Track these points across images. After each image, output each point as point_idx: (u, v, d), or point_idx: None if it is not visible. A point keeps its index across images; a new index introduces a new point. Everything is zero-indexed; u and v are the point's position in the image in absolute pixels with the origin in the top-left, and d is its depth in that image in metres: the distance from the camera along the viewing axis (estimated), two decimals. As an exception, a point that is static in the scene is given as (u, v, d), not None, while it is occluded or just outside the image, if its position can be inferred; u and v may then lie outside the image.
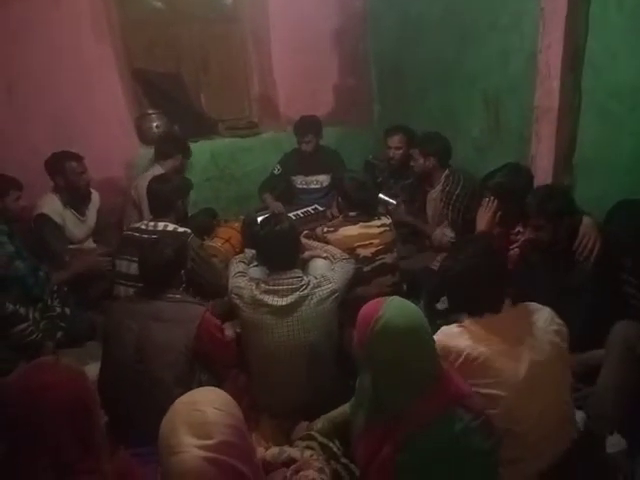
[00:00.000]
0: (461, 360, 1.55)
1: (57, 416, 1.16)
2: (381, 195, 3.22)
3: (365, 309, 1.42)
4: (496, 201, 2.48)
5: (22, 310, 2.38)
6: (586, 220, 2.19)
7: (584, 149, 2.55)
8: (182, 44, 3.90)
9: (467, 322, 1.64)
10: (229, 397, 1.22)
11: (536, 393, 1.57)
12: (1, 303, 2.30)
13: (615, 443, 1.80)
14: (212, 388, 1.26)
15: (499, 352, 1.55)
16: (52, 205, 2.99)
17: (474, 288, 1.64)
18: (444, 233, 2.97)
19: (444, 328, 1.66)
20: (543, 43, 2.53)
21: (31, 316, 2.45)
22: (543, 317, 1.65)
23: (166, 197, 2.66)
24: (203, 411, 1.14)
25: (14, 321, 2.34)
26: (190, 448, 1.09)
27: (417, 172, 3.19)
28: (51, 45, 3.26)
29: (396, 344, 1.33)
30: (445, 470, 1.31)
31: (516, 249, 2.39)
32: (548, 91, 2.55)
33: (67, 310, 2.67)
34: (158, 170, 3.25)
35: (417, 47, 3.66)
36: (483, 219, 2.50)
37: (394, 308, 1.38)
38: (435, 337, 1.52)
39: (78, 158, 3.02)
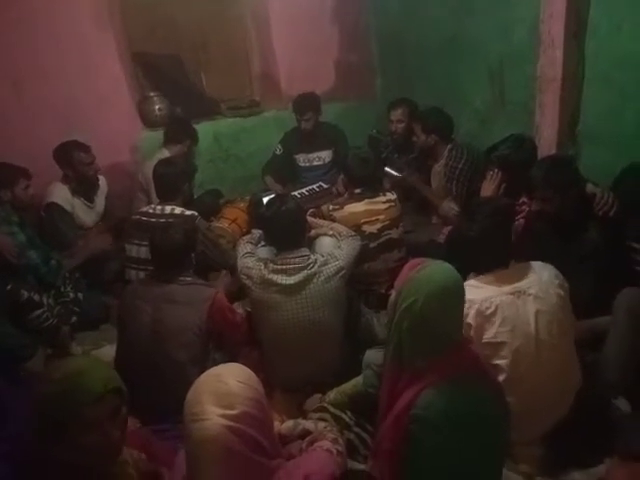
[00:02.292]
0: (474, 312, 1.67)
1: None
2: (387, 169, 3.22)
3: (412, 261, 1.49)
4: (500, 173, 2.49)
5: (37, 297, 2.43)
6: (590, 187, 2.20)
7: (588, 119, 2.53)
8: (181, 25, 3.86)
9: (479, 277, 1.78)
10: (252, 372, 1.26)
11: (543, 343, 1.68)
12: (16, 291, 2.34)
13: (621, 407, 1.84)
14: (236, 364, 1.30)
15: (508, 302, 1.69)
16: (61, 194, 3.03)
17: (490, 244, 1.79)
18: (450, 207, 2.98)
19: None
20: (546, 12, 2.50)
21: (46, 302, 2.50)
22: (547, 272, 1.76)
23: (172, 181, 2.69)
24: (227, 383, 1.18)
25: (30, 308, 2.39)
26: (213, 416, 1.13)
27: (419, 148, 3.19)
28: (52, 33, 3.26)
29: (429, 294, 1.36)
30: (457, 431, 1.34)
31: (521, 220, 2.41)
32: (551, 61, 2.53)
33: (80, 295, 2.72)
34: (165, 155, 3.26)
35: (418, 19, 3.61)
36: (487, 191, 2.51)
37: (439, 264, 1.44)
38: None
39: (86, 148, 3.03)
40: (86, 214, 3.16)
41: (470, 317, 1.68)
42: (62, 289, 2.66)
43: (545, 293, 1.71)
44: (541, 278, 1.74)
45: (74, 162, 3.00)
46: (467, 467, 1.36)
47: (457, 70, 3.37)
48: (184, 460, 1.24)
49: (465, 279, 1.87)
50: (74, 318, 2.62)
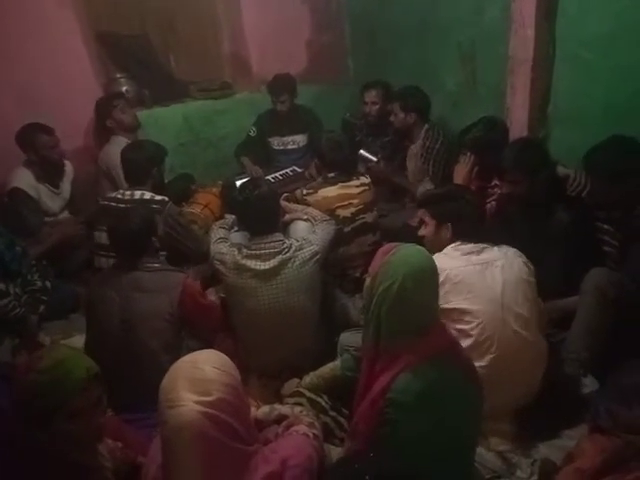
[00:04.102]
0: (442, 279, 1.72)
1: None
2: (362, 152, 3.20)
3: (385, 245, 1.52)
4: (473, 156, 2.50)
5: (2, 286, 2.35)
6: (560, 169, 2.23)
7: (558, 100, 2.56)
8: (147, 4, 3.73)
9: (449, 249, 1.90)
10: (228, 359, 1.26)
11: (509, 310, 1.79)
12: None
13: (588, 384, 1.90)
14: (211, 350, 1.30)
15: (476, 271, 1.82)
16: (25, 179, 2.92)
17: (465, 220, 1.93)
18: (427, 188, 2.99)
19: None
20: (517, -8, 2.50)
21: (12, 291, 2.42)
22: (512, 250, 1.91)
23: (141, 165, 2.62)
24: (203, 369, 1.18)
25: None
26: (188, 402, 1.13)
27: (397, 127, 3.16)
28: (11, 10, 3.11)
29: (405, 276, 1.37)
30: (432, 413, 1.37)
31: (493, 202, 2.44)
32: (523, 41, 2.53)
33: (48, 283, 2.64)
34: (119, 139, 3.17)
35: (390, 0, 3.57)
36: (460, 174, 2.53)
37: (413, 247, 1.48)
38: None
39: (49, 131, 2.92)
40: (52, 200, 3.06)
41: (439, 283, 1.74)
42: (29, 277, 2.57)
43: (510, 266, 1.84)
44: (506, 253, 1.88)
45: (37, 145, 2.89)
46: (442, 447, 1.39)
47: (429, 52, 3.35)
48: (159, 448, 1.23)
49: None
50: (42, 307, 2.54)
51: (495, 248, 1.89)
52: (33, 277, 2.59)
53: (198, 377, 1.17)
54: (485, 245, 1.88)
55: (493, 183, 2.47)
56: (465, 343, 1.73)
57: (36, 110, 3.10)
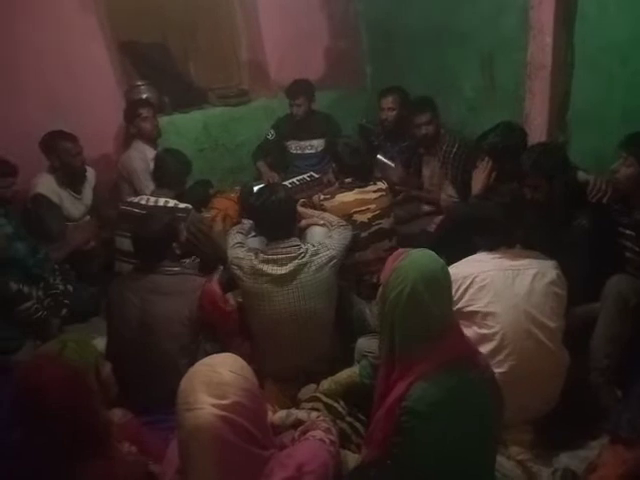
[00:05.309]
0: (469, 282, 1.79)
1: (52, 412, 1.24)
2: (379, 157, 3.21)
3: (395, 252, 1.52)
4: (491, 161, 2.49)
5: (26, 289, 2.41)
6: (581, 175, 2.20)
7: (577, 105, 2.53)
8: (168, 13, 3.80)
9: (481, 254, 1.92)
10: (245, 363, 1.26)
11: (534, 319, 1.77)
12: (4, 283, 2.32)
13: (610, 394, 1.86)
14: (230, 354, 1.30)
15: (504, 277, 1.82)
16: (48, 185, 2.97)
17: (505, 224, 1.92)
18: (450, 195, 2.97)
19: (458, 262, 1.90)
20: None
21: (35, 294, 2.47)
22: (550, 261, 1.89)
23: (178, 171, 2.70)
24: (220, 373, 1.19)
25: (19, 300, 2.36)
26: (205, 405, 1.13)
27: (423, 137, 3.09)
28: (35, 21, 3.18)
29: (415, 280, 1.37)
30: (448, 422, 1.35)
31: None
32: (541, 47, 2.52)
33: (70, 287, 2.69)
34: (142, 145, 3.24)
35: (408, 6, 3.58)
36: (478, 180, 2.51)
37: (421, 251, 1.48)
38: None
39: (72, 138, 2.97)
40: (74, 206, 3.11)
41: (464, 286, 1.81)
42: (51, 281, 2.62)
43: (543, 276, 1.82)
44: (543, 262, 1.87)
45: (60, 152, 2.95)
46: (460, 457, 1.37)
47: (447, 57, 3.35)
48: (176, 452, 1.24)
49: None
50: (64, 310, 2.59)
51: (533, 255, 1.89)
52: (55, 281, 2.64)
53: (215, 381, 1.18)
54: (521, 251, 1.89)
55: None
56: (486, 348, 1.73)
57: (58, 117, 3.16)
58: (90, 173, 3.21)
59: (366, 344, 2.05)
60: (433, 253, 1.47)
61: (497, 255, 1.89)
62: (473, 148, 2.74)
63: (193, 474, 1.17)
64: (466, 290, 1.82)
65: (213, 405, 1.14)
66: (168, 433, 1.62)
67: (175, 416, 1.19)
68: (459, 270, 1.85)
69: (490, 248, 1.92)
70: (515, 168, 2.27)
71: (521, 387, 1.72)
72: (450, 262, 2.15)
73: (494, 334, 1.77)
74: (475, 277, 1.81)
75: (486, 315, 1.79)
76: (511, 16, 2.74)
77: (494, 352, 1.75)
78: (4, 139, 2.98)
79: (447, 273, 1.46)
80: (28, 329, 2.37)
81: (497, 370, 1.66)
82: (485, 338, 1.77)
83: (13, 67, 3.19)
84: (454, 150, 2.99)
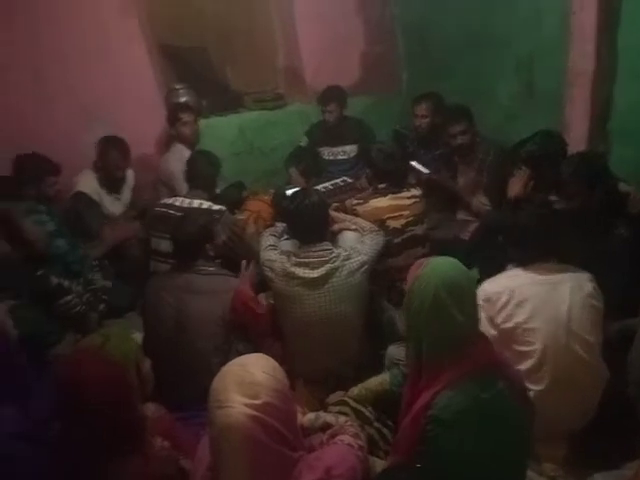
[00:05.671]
0: (506, 298, 1.75)
1: (93, 407, 1.27)
2: (413, 163, 3.19)
3: (417, 261, 1.52)
4: (528, 170, 2.45)
5: (66, 283, 2.48)
6: (622, 186, 2.15)
7: (619, 113, 2.47)
8: (207, 18, 3.88)
9: (519, 269, 1.86)
10: (277, 364, 1.27)
11: (573, 334, 1.72)
12: (46, 277, 2.40)
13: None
14: (262, 355, 1.31)
15: (543, 291, 1.76)
16: (89, 183, 3.08)
17: (537, 237, 1.86)
18: (482, 202, 2.94)
19: (493, 277, 1.85)
20: (577, 4, 2.44)
21: (74, 289, 2.55)
22: (586, 274, 1.83)
23: (209, 172, 2.77)
24: (252, 373, 1.20)
25: (59, 294, 2.43)
26: (237, 404, 1.14)
27: (458, 147, 3.05)
28: (79, 25, 3.30)
29: (437, 287, 1.37)
30: (474, 431, 1.34)
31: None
32: (582, 54, 2.47)
33: (108, 283, 2.77)
34: (181, 148, 3.30)
35: (445, 11, 3.56)
36: (514, 188, 2.47)
37: (442, 258, 1.48)
38: (481, 287, 1.57)
39: (123, 150, 3.08)
40: (113, 205, 3.21)
41: (502, 301, 1.76)
42: (90, 277, 2.70)
43: (579, 289, 1.77)
44: (579, 275, 1.82)
45: (108, 160, 3.06)
46: (486, 468, 1.36)
47: (484, 63, 3.32)
48: (207, 448, 1.26)
49: (490, 275, 1.93)
50: (102, 305, 2.67)
51: (569, 268, 1.84)
52: (94, 277, 2.72)
53: (247, 381, 1.19)
54: (556, 265, 1.84)
55: (550, 199, 2.39)
56: (525, 365, 1.70)
57: (101, 118, 3.28)
58: (129, 174, 3.30)
59: (396, 352, 2.04)
60: (455, 260, 1.46)
61: (532, 269, 1.83)
62: (510, 156, 2.70)
63: (223, 471, 1.19)
64: (504, 306, 1.78)
65: (245, 404, 1.15)
66: (199, 429, 1.64)
67: (207, 413, 1.22)
68: (495, 285, 1.82)
69: (524, 262, 1.87)
70: (553, 177, 2.23)
71: (557, 401, 1.69)
72: (484, 270, 2.14)
73: (533, 351, 1.73)
74: (513, 292, 1.76)
75: (525, 331, 1.74)
76: (551, 21, 2.69)
77: (533, 369, 1.71)
78: (48, 139, 3.09)
79: (470, 280, 1.46)
80: (67, 323, 2.44)
81: (535, 387, 1.65)
82: (524, 355, 1.73)
83: (58, 70, 3.30)
84: (489, 158, 2.95)
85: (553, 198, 2.37)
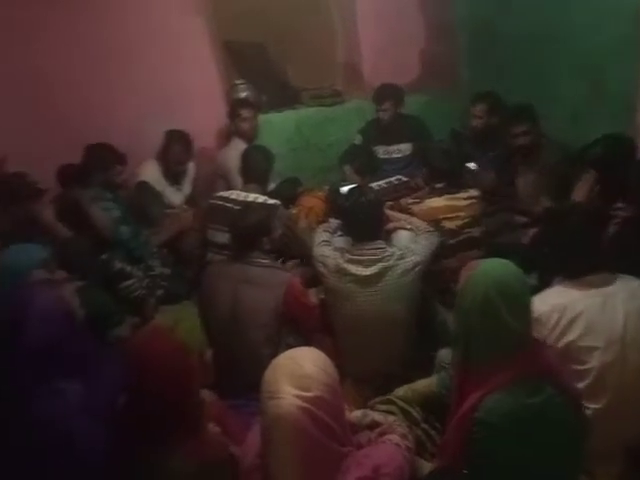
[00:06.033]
0: (558, 315, 1.65)
1: (158, 386, 1.31)
2: (470, 165, 3.13)
3: (470, 262, 1.52)
4: (595, 174, 2.35)
5: (128, 268, 2.59)
6: None
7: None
8: (269, 14, 3.93)
9: (566, 283, 1.76)
10: (328, 359, 1.29)
11: (630, 347, 1.63)
12: (110, 261, 2.52)
13: None
14: (312, 348, 1.33)
15: (595, 306, 1.66)
16: (152, 173, 3.20)
17: (577, 249, 1.78)
18: (542, 205, 2.84)
19: (541, 294, 1.75)
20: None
21: (135, 274, 2.65)
22: (636, 281, 1.73)
23: (262, 166, 2.80)
24: (303, 366, 1.22)
25: (121, 277, 2.55)
26: (288, 396, 1.17)
27: (519, 148, 2.97)
28: (146, 19, 3.42)
29: (487, 288, 1.35)
30: (521, 437, 1.32)
31: (615, 226, 2.26)
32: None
33: (166, 270, 2.86)
34: (239, 143, 3.35)
35: (509, 8, 3.46)
36: (579, 193, 2.38)
37: (495, 260, 1.46)
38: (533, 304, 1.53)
39: (186, 144, 3.17)
40: (174, 195, 3.32)
41: (554, 320, 1.67)
42: (150, 263, 2.81)
43: (632, 298, 1.68)
44: (629, 284, 1.72)
45: (171, 153, 3.17)
46: (533, 475, 1.33)
47: (550, 62, 3.20)
48: (257, 436, 1.29)
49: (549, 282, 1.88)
50: (160, 292, 2.75)
51: (618, 278, 1.74)
52: (154, 263, 2.83)
53: (299, 373, 1.21)
54: (604, 275, 1.74)
55: (617, 205, 2.29)
56: (582, 384, 1.62)
57: (162, 112, 3.39)
58: (190, 166, 3.40)
59: (447, 355, 1.99)
60: (509, 262, 1.44)
61: (582, 282, 1.73)
62: (576, 159, 2.60)
63: (273, 460, 1.22)
64: (555, 325, 1.68)
65: (296, 396, 1.17)
66: (249, 418, 1.68)
67: (258, 402, 1.24)
68: (544, 304, 1.71)
69: (574, 275, 1.76)
70: (621, 182, 2.13)
71: (616, 417, 1.62)
72: (544, 276, 2.05)
73: (590, 370, 1.64)
74: (564, 309, 1.67)
75: (580, 349, 1.65)
76: (623, 21, 2.57)
77: (590, 388, 1.63)
78: (115, 130, 3.21)
79: (524, 284, 1.42)
80: (127, 306, 2.55)
81: (593, 405, 1.58)
82: (581, 374, 1.65)
83: (126, 65, 3.44)
84: (553, 161, 2.85)
85: (619, 205, 2.28)
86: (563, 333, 1.66)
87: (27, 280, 1.78)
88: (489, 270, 1.41)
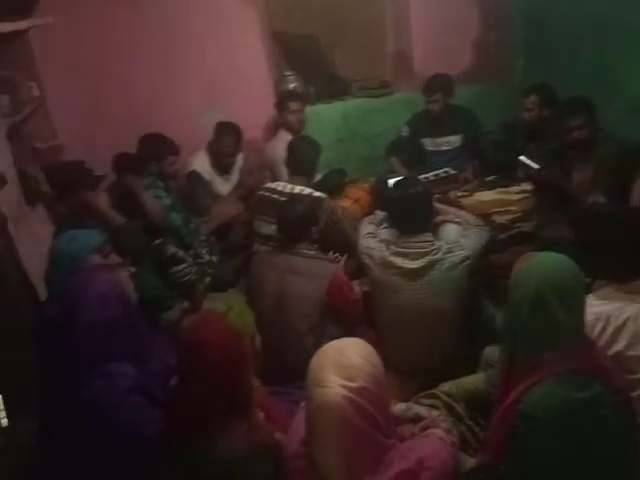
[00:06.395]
0: (602, 324, 1.59)
1: (212, 368, 1.34)
2: (522, 158, 3.03)
3: (524, 255, 1.50)
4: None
5: (180, 253, 2.66)
6: None
7: None
8: (319, 4, 3.92)
9: (609, 289, 1.70)
10: (374, 350, 1.29)
11: None
12: (164, 245, 2.59)
13: None
14: (360, 340, 1.33)
15: (637, 309, 1.59)
16: (202, 163, 3.27)
17: (618, 254, 1.69)
18: (597, 202, 2.73)
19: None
20: None
21: (186, 259, 2.71)
22: None
23: (308, 158, 2.80)
24: (350, 357, 1.23)
25: (174, 261, 2.60)
26: (334, 385, 1.18)
27: (574, 142, 2.86)
28: (200, 9, 3.48)
29: (540, 282, 1.33)
30: (565, 432, 1.29)
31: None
32: None
33: (214, 258, 2.93)
34: (286, 135, 3.36)
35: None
36: (638, 193, 2.28)
37: (550, 254, 1.44)
38: None
39: (236, 136, 3.21)
40: (222, 185, 3.38)
41: (598, 329, 1.61)
42: (199, 251, 2.88)
43: None
44: None
45: (221, 145, 3.22)
46: (577, 474, 1.29)
47: (610, 53, 3.06)
48: (302, 423, 1.30)
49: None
50: (207, 279, 2.82)
51: None
52: (202, 251, 2.90)
53: (345, 363, 1.22)
54: None
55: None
56: (634, 394, 1.55)
57: (213, 101, 3.46)
58: (239, 157, 3.44)
59: (494, 353, 1.96)
60: (564, 257, 1.40)
61: (627, 288, 1.67)
62: (635, 155, 2.48)
63: (317, 448, 1.23)
64: (601, 334, 1.62)
65: (341, 386, 1.18)
66: (292, 405, 1.71)
67: (300, 391, 1.26)
68: (590, 311, 1.60)
69: (618, 280, 1.69)
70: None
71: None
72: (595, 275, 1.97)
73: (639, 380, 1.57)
74: (608, 318, 1.61)
75: (628, 359, 1.59)
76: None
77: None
78: (167, 121, 3.30)
79: (578, 279, 1.38)
80: (177, 291, 2.63)
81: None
82: (632, 384, 1.56)
83: (177, 56, 3.51)
84: (611, 156, 2.73)
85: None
86: (610, 343, 1.60)
87: (83, 265, 1.83)
88: (543, 263, 1.39)
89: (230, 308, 1.40)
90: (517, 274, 1.42)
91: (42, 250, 2.06)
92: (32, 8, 2.58)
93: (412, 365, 2.18)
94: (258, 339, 1.51)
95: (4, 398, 1.68)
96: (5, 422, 1.66)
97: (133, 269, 2.18)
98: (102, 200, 2.74)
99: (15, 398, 1.71)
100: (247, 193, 3.29)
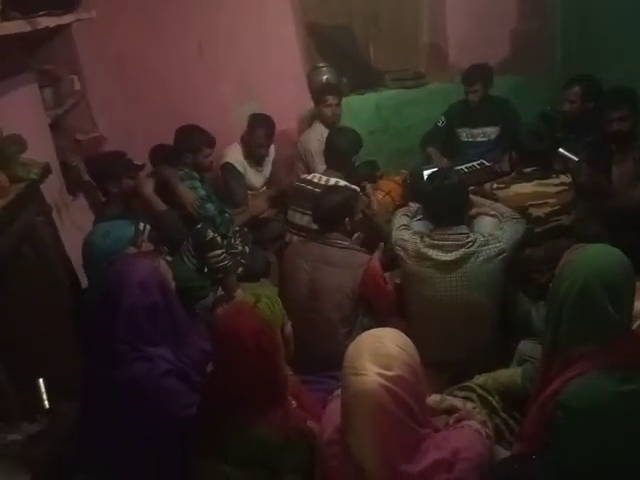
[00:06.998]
0: (638, 324, 1.58)
1: (246, 358, 1.37)
2: (561, 150, 2.96)
3: (573, 246, 1.47)
4: None
5: (219, 239, 2.71)
6: None
7: None
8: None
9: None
10: (410, 340, 1.30)
11: None
12: (204, 230, 2.64)
13: None
14: (396, 330, 1.34)
15: None
16: (236, 155, 3.30)
17: None
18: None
19: None
20: None
21: (223, 246, 2.76)
22: None
23: (345, 150, 2.78)
24: (387, 346, 1.23)
25: (213, 246, 2.65)
26: (371, 373, 1.18)
27: (616, 134, 2.76)
28: (234, 2, 3.51)
29: (588, 275, 1.31)
30: (605, 425, 1.26)
31: None
32: None
33: (247, 248, 2.97)
34: (320, 127, 3.37)
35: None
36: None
37: (601, 246, 1.42)
38: None
39: (269, 128, 3.23)
40: (255, 176, 3.41)
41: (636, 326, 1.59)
42: (232, 241, 2.92)
43: None
44: None
45: (254, 137, 3.24)
46: (619, 470, 1.26)
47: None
48: (336, 410, 1.31)
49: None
50: (240, 269, 2.86)
51: None
52: (235, 242, 2.95)
53: (382, 352, 1.22)
54: None
55: None
56: None
57: (248, 94, 3.49)
58: (271, 149, 3.47)
59: (529, 348, 1.94)
60: (614, 249, 1.37)
61: None
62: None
63: (353, 435, 1.23)
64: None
65: (378, 374, 1.18)
66: (323, 395, 1.73)
67: (331, 380, 1.27)
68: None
69: None
70: None
71: None
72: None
73: None
74: None
75: None
76: None
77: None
78: (202, 113, 3.35)
79: (628, 272, 1.35)
80: (213, 279, 2.67)
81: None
82: None
83: (212, 49, 3.56)
84: None
85: None
86: None
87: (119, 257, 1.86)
88: (594, 255, 1.37)
89: (259, 298, 1.42)
90: (564, 266, 1.40)
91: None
92: (77, 3, 2.65)
93: (443, 358, 2.15)
94: (289, 327, 1.53)
95: (46, 382, 1.74)
96: (47, 404, 1.72)
97: (170, 258, 2.23)
98: (148, 185, 2.83)
99: (57, 382, 1.77)
100: (278, 194, 3.33)
